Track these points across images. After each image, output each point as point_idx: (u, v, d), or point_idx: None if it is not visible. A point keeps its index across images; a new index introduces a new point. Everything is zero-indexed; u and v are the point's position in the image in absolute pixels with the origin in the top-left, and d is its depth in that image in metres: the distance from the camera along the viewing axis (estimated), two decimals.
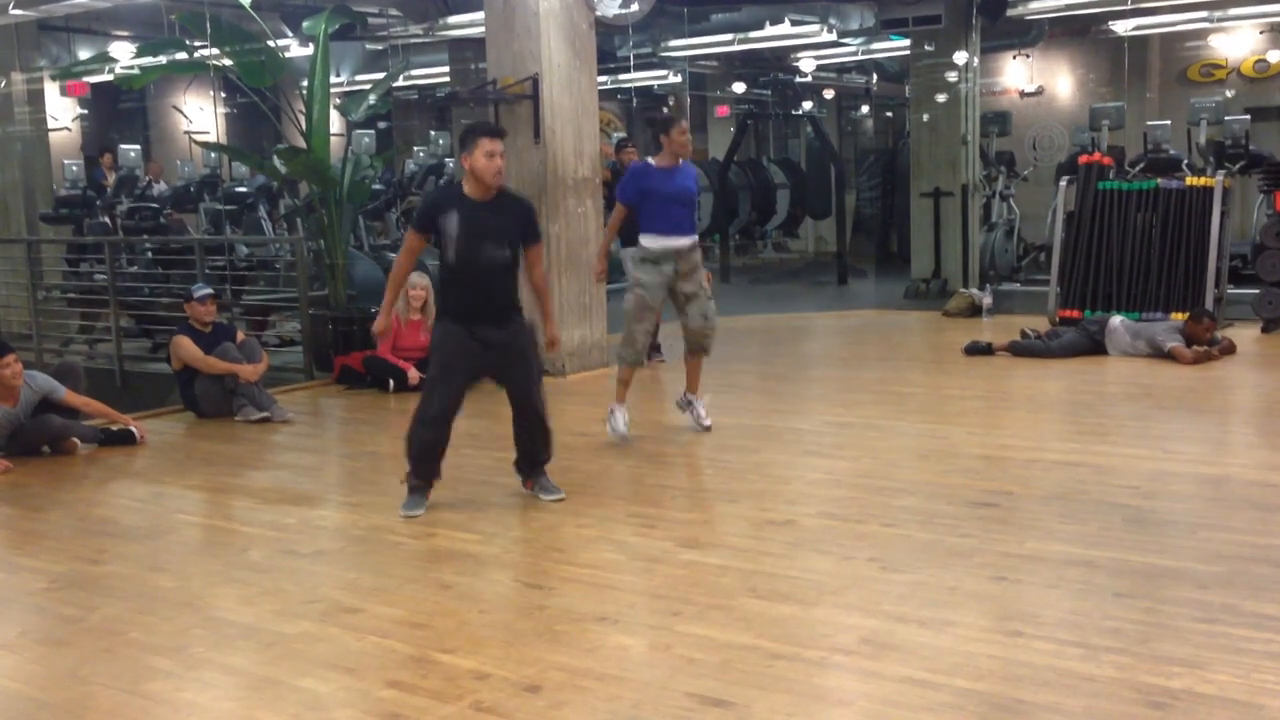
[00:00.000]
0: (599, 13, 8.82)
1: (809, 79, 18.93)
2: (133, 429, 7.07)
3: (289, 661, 3.66)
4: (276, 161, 10.42)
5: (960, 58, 13.61)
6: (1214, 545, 4.45)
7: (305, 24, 10.85)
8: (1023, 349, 9.15)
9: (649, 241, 6.36)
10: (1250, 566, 4.21)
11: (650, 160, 6.49)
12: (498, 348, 5.17)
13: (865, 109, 21.95)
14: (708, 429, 6.69)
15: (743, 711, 3.19)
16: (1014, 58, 17.09)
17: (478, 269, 5.11)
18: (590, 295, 8.85)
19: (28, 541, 5.31)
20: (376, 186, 12.85)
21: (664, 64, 17.18)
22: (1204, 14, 14.99)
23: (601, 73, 9.70)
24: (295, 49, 13.31)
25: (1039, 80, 17.50)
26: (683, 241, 6.36)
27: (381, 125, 16.15)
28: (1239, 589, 3.97)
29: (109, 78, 13.80)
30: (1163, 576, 4.12)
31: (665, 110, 17.34)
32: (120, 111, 18.00)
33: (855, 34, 15.76)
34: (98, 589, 4.47)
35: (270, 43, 9.96)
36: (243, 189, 13.67)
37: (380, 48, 15.78)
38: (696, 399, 6.75)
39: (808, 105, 19.44)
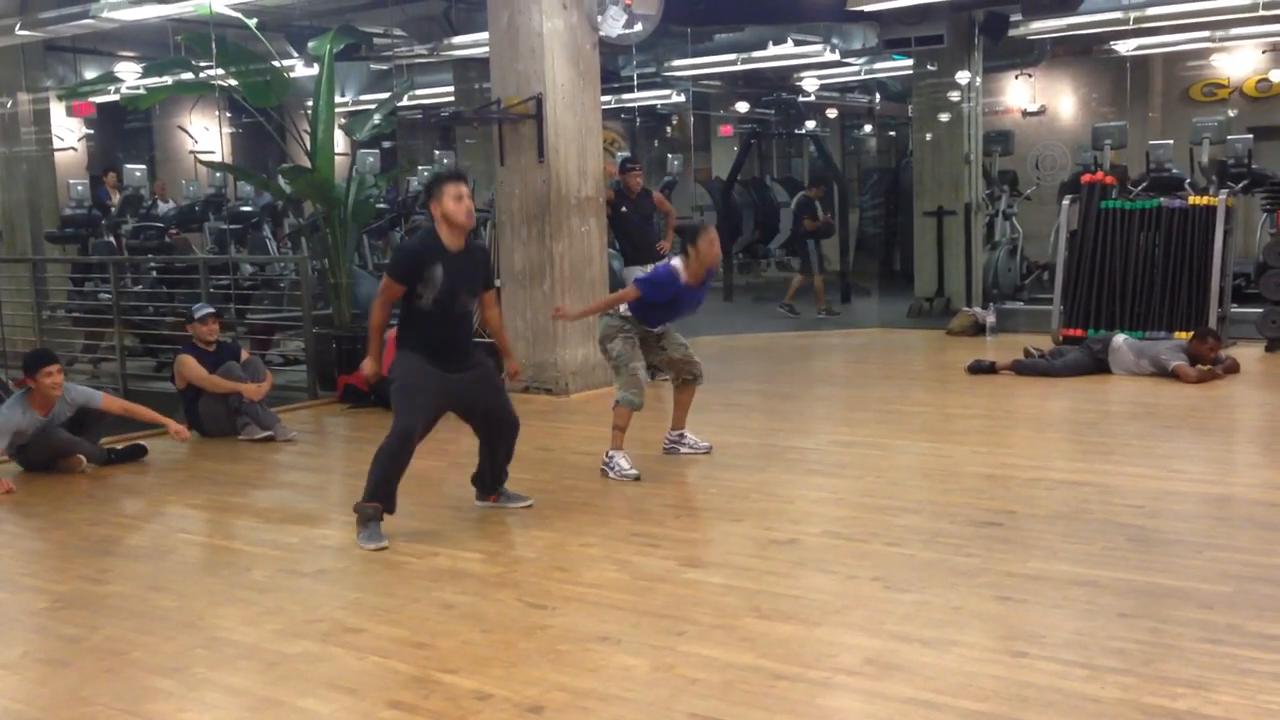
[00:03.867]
0: (603, 33, 8.86)
1: (812, 98, 18.99)
2: (144, 445, 7.12)
3: (291, 682, 3.66)
4: (281, 181, 10.45)
5: (963, 77, 13.65)
6: (1219, 565, 4.44)
7: (310, 44, 10.90)
8: (1026, 368, 9.14)
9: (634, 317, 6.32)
10: (1255, 586, 4.19)
11: (680, 270, 6.18)
12: (462, 384, 5.26)
13: (868, 128, 22.00)
14: (709, 450, 6.67)
15: None
16: (1016, 77, 17.14)
17: (452, 318, 5.21)
18: (593, 315, 8.84)
19: (30, 560, 5.31)
20: (381, 206, 12.89)
21: (667, 83, 17.25)
22: (1206, 34, 15.04)
23: (605, 92, 9.76)
24: (300, 69, 13.37)
25: (1041, 100, 17.54)
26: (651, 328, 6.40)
27: (386, 145, 16.21)
28: (1244, 609, 3.95)
29: (115, 98, 13.85)
30: (1167, 596, 4.11)
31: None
32: (126, 131, 18.10)
33: (858, 54, 15.82)
34: (100, 609, 4.47)
35: (275, 63, 10.00)
36: (247, 208, 13.70)
37: (385, 68, 15.87)
38: (686, 431, 6.67)
39: (811, 124, 19.50)
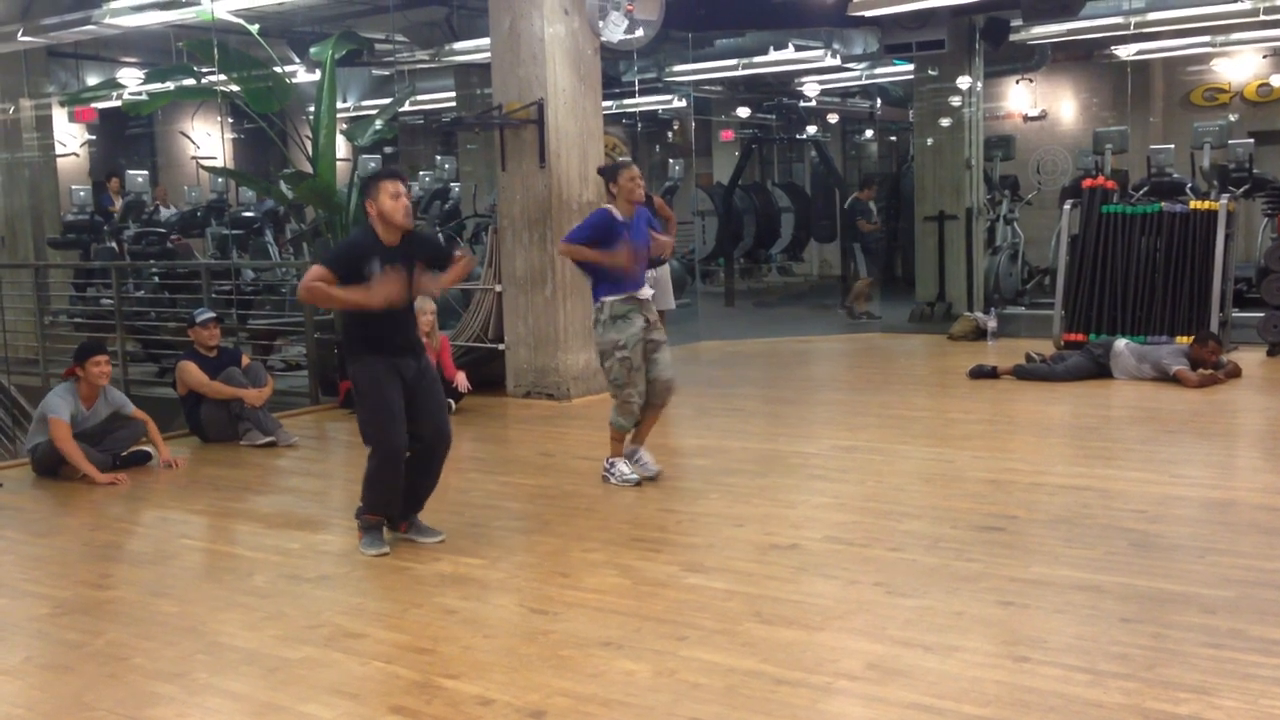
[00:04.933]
0: (604, 38, 8.87)
1: (813, 103, 19.00)
2: (148, 450, 7.12)
3: (292, 687, 3.66)
4: (283, 186, 10.46)
5: (964, 82, 13.66)
6: (1221, 570, 4.44)
7: (312, 50, 10.92)
8: (1027, 373, 9.14)
9: (617, 296, 6.01)
10: (1258, 591, 4.19)
11: (612, 209, 6.09)
12: (413, 378, 5.12)
13: (869, 133, 22.01)
14: (656, 476, 6.26)
15: None
16: (1017, 82, 17.14)
17: (397, 313, 5.05)
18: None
19: (32, 566, 5.31)
20: None
21: (669, 89, 17.26)
22: (1206, 39, 15.05)
23: (606, 97, 9.75)
24: (302, 74, 13.39)
25: (1042, 104, 17.54)
26: (648, 292, 6.14)
27: (388, 150, 16.20)
28: (1246, 614, 3.95)
29: (117, 104, 13.90)
30: (1169, 601, 4.11)
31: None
32: (128, 137, 18.12)
33: (859, 59, 15.83)
34: (102, 614, 4.47)
35: (277, 68, 10.02)
36: (249, 214, 13.72)
37: (387, 73, 15.87)
38: (642, 449, 6.34)
39: (812, 129, 19.50)
